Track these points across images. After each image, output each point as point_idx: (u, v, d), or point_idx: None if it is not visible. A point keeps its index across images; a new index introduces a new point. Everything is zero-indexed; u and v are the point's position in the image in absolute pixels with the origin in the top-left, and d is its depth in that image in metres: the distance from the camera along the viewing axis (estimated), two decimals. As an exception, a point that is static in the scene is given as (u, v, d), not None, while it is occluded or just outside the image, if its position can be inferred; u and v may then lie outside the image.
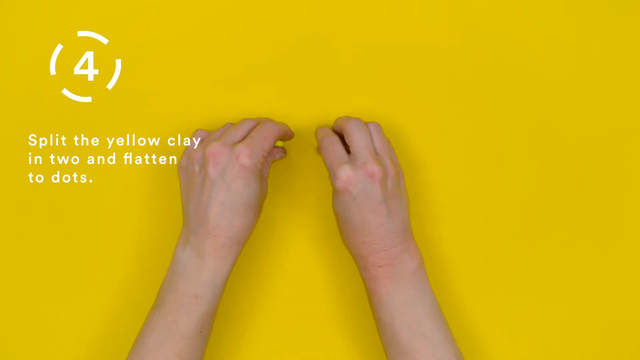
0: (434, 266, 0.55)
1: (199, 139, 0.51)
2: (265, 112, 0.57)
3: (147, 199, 0.56)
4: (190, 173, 0.48)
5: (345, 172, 0.46)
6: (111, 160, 0.56)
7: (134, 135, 0.56)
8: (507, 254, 0.56)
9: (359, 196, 0.46)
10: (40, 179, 0.56)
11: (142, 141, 0.56)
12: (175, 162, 0.56)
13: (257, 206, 0.48)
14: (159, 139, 0.56)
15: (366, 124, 0.51)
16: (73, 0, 0.57)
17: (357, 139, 0.48)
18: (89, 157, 0.56)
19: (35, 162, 0.56)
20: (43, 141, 0.56)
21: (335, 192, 0.48)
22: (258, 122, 0.51)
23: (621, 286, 0.56)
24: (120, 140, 0.56)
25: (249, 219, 0.47)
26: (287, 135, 0.53)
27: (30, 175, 0.56)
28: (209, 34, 0.57)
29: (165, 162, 0.56)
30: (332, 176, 0.47)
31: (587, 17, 0.58)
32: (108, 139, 0.56)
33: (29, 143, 0.56)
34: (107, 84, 0.57)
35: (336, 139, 0.50)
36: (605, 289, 0.56)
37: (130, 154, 0.56)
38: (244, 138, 0.48)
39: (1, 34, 0.57)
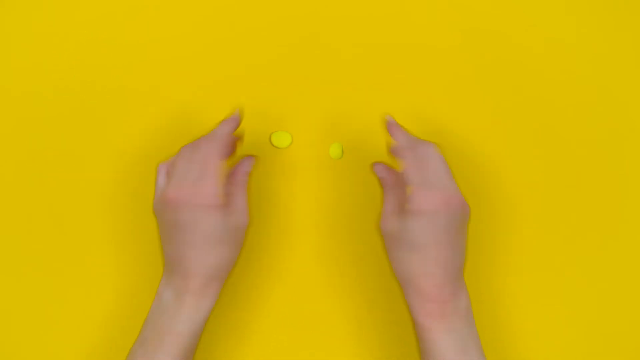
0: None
1: (165, 174, 0.48)
2: (265, 111, 0.57)
3: (147, 199, 0.56)
4: (162, 216, 0.46)
5: (423, 195, 0.44)
6: (111, 160, 0.56)
7: (134, 135, 0.56)
8: (506, 254, 0.56)
9: (432, 222, 0.44)
10: (39, 178, 0.56)
11: (142, 140, 0.56)
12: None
13: (233, 239, 0.46)
14: (159, 139, 0.56)
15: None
16: (73, 0, 0.57)
17: (437, 163, 0.46)
18: (89, 157, 0.56)
19: (36, 162, 0.56)
20: (43, 141, 0.56)
21: (410, 212, 0.45)
22: (223, 136, 0.48)
23: (621, 286, 0.56)
24: (120, 140, 0.56)
25: (225, 255, 0.46)
26: (238, 135, 0.50)
27: (30, 175, 0.56)
28: (210, 34, 0.57)
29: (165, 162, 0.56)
30: (413, 192, 0.45)
31: (587, 17, 0.58)
32: (108, 139, 0.56)
33: (30, 143, 0.56)
34: (107, 84, 0.57)
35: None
36: (606, 289, 0.56)
37: (131, 153, 0.56)
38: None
39: (1, 34, 0.57)
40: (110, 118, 0.57)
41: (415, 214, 0.44)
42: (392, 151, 0.49)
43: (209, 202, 0.44)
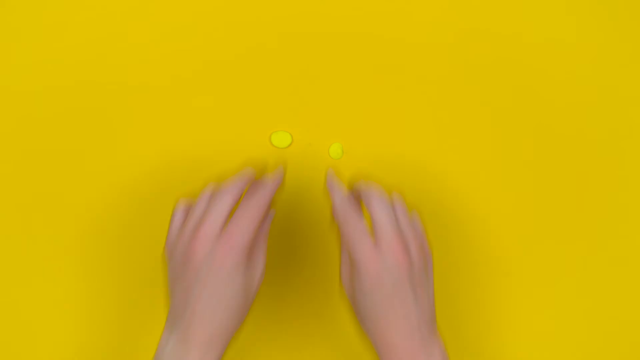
0: (434, 266, 0.55)
1: (183, 213, 0.46)
2: (265, 111, 0.57)
3: (148, 199, 0.56)
4: (174, 262, 0.44)
5: (368, 257, 0.42)
6: (112, 160, 0.56)
7: (134, 135, 0.56)
8: (505, 255, 0.56)
9: (385, 282, 0.42)
10: (39, 178, 0.56)
11: (142, 140, 0.56)
12: (176, 162, 0.56)
13: (246, 296, 0.44)
14: (159, 138, 0.56)
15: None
16: (73, 1, 0.57)
17: (379, 216, 0.44)
18: (89, 157, 0.56)
19: (36, 163, 0.56)
20: (44, 141, 0.56)
21: (358, 274, 0.43)
22: (246, 179, 0.45)
23: (621, 286, 0.56)
24: (121, 139, 0.56)
25: (236, 313, 0.43)
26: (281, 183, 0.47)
27: (29, 175, 0.56)
28: (210, 34, 0.57)
29: (166, 162, 0.56)
30: (353, 257, 0.43)
31: (587, 17, 0.58)
32: (109, 138, 0.56)
33: (30, 143, 0.56)
34: (106, 84, 0.57)
35: (355, 208, 0.44)
36: (606, 289, 0.56)
37: (131, 153, 0.56)
38: (227, 214, 0.43)
39: (2, 34, 0.57)
40: (111, 117, 0.57)
41: (359, 274, 0.43)
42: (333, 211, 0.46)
43: (234, 260, 0.42)
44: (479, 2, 0.57)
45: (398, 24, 0.57)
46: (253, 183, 0.46)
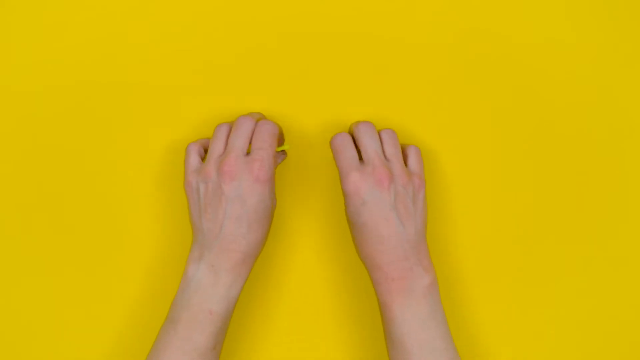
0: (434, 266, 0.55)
1: (197, 153, 0.50)
2: (264, 112, 0.57)
3: (148, 199, 0.56)
4: (203, 191, 0.47)
5: (353, 177, 0.46)
6: (112, 160, 0.56)
7: (134, 135, 0.56)
8: (506, 254, 0.56)
9: (369, 202, 0.46)
10: (39, 178, 0.56)
11: (144, 140, 0.56)
12: (176, 162, 0.56)
13: (270, 218, 0.48)
14: (160, 138, 0.56)
15: (380, 131, 0.50)
16: (73, 1, 0.57)
17: (365, 144, 0.48)
18: (89, 157, 0.56)
19: (36, 163, 0.56)
20: (44, 141, 0.56)
21: (346, 197, 0.47)
22: (255, 119, 0.50)
23: (621, 286, 0.56)
24: (122, 140, 0.56)
25: (263, 232, 0.47)
26: (281, 135, 0.52)
27: (29, 175, 0.56)
28: (210, 34, 0.57)
29: (166, 162, 0.56)
30: (342, 180, 0.47)
31: (587, 17, 0.58)
32: (108, 139, 0.56)
33: (30, 143, 0.56)
34: (106, 84, 0.57)
35: (348, 141, 0.49)
36: (606, 289, 0.56)
37: (132, 153, 0.56)
38: (248, 142, 0.48)
39: (2, 34, 0.57)
40: (111, 117, 0.57)
41: (347, 196, 0.47)
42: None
43: (266, 177, 0.46)
44: (479, 2, 0.57)
45: (398, 24, 0.57)
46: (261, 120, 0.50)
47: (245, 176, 0.46)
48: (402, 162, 0.49)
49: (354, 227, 0.47)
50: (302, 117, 0.57)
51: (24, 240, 0.55)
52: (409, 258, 0.46)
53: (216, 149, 0.48)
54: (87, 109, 0.57)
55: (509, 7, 0.57)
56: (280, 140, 0.52)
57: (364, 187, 0.46)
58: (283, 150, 0.54)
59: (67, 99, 0.57)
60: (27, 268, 0.55)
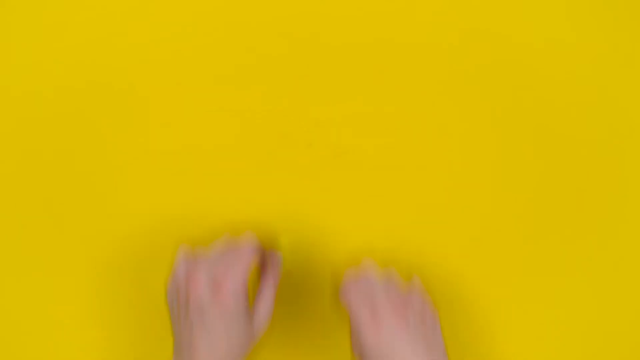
0: (434, 266, 0.55)
1: (182, 260, 0.48)
2: (264, 111, 0.57)
3: (147, 198, 0.56)
4: (176, 303, 0.46)
5: (369, 332, 0.45)
6: (112, 161, 0.56)
7: (134, 135, 0.56)
8: (506, 254, 0.56)
9: (383, 348, 0.44)
10: (39, 178, 0.56)
11: (142, 140, 0.56)
12: (176, 162, 0.56)
13: (246, 342, 0.46)
14: (159, 138, 0.56)
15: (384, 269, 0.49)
16: (73, 1, 0.57)
17: (375, 298, 0.46)
18: (89, 157, 0.56)
19: (36, 163, 0.56)
20: (44, 141, 0.56)
21: (364, 349, 0.45)
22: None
23: (622, 286, 0.56)
24: (121, 139, 0.56)
25: (234, 350, 0.45)
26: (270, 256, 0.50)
27: (29, 175, 0.56)
28: (210, 34, 0.57)
29: (166, 162, 0.56)
30: (358, 338, 0.46)
31: (587, 17, 0.58)
32: (108, 138, 0.56)
33: (30, 143, 0.56)
34: (106, 84, 0.57)
35: (357, 290, 0.47)
36: (606, 289, 0.56)
37: (132, 153, 0.56)
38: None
39: (2, 34, 0.57)
40: (111, 117, 0.57)
41: (366, 350, 0.45)
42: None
43: (236, 309, 0.44)
44: (479, 3, 0.57)
45: (398, 25, 0.57)
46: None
47: (211, 300, 0.44)
48: (410, 298, 0.47)
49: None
50: (302, 117, 0.57)
51: (24, 240, 0.55)
52: None
53: (191, 265, 0.46)
54: (87, 109, 0.57)
55: (510, 7, 0.57)
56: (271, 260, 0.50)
57: (379, 340, 0.44)
58: (279, 257, 0.51)
59: (67, 99, 0.57)
60: (27, 268, 0.55)
